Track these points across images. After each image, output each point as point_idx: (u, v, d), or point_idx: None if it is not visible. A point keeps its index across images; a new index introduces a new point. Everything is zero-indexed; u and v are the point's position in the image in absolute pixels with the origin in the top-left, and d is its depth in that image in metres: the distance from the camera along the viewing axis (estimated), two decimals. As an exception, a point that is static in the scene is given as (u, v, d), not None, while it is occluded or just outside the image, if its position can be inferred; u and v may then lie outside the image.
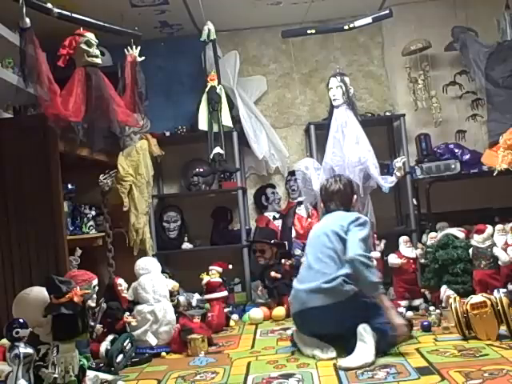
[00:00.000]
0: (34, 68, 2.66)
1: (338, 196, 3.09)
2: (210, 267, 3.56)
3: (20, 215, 2.89)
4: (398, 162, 3.64)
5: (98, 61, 3.08)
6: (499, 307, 2.48)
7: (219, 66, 4.09)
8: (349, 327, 2.51)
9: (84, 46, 3.00)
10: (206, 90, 4.04)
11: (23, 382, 1.82)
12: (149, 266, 3.09)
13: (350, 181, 3.24)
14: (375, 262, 3.29)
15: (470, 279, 3.20)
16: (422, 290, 3.48)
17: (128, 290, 2.99)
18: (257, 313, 3.50)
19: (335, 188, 3.12)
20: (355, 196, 3.17)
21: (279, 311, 3.54)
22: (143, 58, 3.39)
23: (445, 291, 3.19)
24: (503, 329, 2.50)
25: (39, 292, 2.09)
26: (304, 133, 4.44)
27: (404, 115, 4.13)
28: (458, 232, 3.39)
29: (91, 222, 3.41)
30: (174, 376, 2.41)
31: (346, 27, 3.86)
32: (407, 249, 3.51)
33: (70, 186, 3.21)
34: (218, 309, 3.41)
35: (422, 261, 3.51)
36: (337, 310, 2.57)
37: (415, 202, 4.02)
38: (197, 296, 3.66)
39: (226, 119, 4.06)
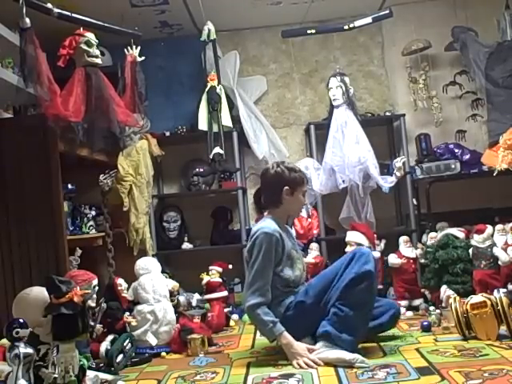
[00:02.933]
0: (34, 68, 2.66)
1: (264, 190, 2.79)
2: (210, 267, 3.56)
3: (20, 215, 2.88)
4: (398, 162, 3.65)
5: (98, 61, 3.08)
6: (499, 307, 2.48)
7: (219, 66, 4.09)
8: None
9: (84, 46, 3.01)
10: (206, 90, 4.05)
11: (23, 381, 1.82)
12: (149, 266, 3.09)
13: (290, 168, 2.68)
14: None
15: (470, 279, 3.20)
16: (422, 290, 3.48)
17: (128, 290, 2.99)
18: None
19: (262, 179, 2.79)
20: (285, 188, 2.65)
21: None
22: (143, 58, 3.40)
23: (445, 291, 3.19)
24: (503, 329, 2.50)
25: (39, 292, 2.08)
26: (304, 133, 4.44)
27: (404, 115, 4.13)
28: (458, 232, 3.39)
29: (91, 222, 3.40)
30: (174, 376, 2.41)
31: (346, 27, 3.86)
32: (407, 249, 3.51)
33: (70, 186, 3.21)
34: (218, 309, 3.41)
35: (422, 261, 3.51)
36: (288, 328, 2.49)
37: (415, 202, 4.02)
38: (197, 296, 3.66)
39: (226, 119, 4.06)
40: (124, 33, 3.38)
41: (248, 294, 2.52)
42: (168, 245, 4.23)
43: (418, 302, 3.41)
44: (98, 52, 3.08)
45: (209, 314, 3.33)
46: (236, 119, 4.20)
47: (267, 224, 2.60)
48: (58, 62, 2.93)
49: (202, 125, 4.04)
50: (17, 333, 1.86)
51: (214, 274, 3.53)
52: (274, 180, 2.68)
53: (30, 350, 1.85)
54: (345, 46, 4.46)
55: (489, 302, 2.51)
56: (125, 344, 2.68)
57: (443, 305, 3.13)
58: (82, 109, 2.91)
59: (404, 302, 3.38)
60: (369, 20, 3.79)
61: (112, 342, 2.65)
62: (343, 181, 3.80)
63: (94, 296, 2.67)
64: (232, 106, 4.22)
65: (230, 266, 3.67)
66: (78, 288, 2.04)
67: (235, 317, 3.62)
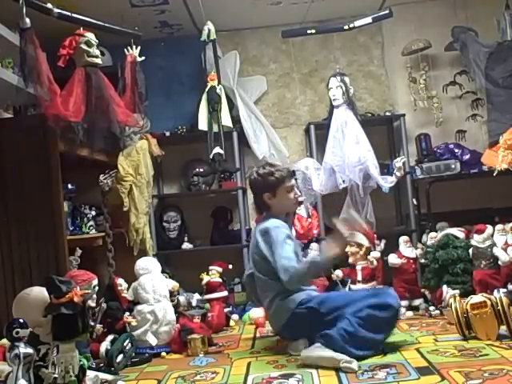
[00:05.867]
0: (34, 68, 2.66)
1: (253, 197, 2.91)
2: (210, 267, 3.56)
3: (20, 215, 2.88)
4: (398, 162, 3.65)
5: (98, 61, 3.08)
6: (499, 307, 2.48)
7: (219, 66, 4.09)
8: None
9: (84, 46, 3.01)
10: (206, 90, 4.05)
11: (23, 381, 1.82)
12: (149, 266, 3.09)
13: (265, 173, 2.73)
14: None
15: (470, 279, 3.20)
16: (422, 290, 3.48)
17: (128, 290, 2.99)
18: (257, 313, 3.50)
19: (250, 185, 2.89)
20: (266, 194, 2.73)
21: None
22: (143, 58, 3.40)
23: (447, 291, 3.18)
24: (503, 329, 2.50)
25: (39, 292, 2.08)
26: (304, 133, 4.44)
27: (404, 115, 4.13)
28: (458, 232, 3.39)
29: (91, 222, 3.40)
30: (174, 376, 2.41)
31: (346, 27, 3.87)
32: (407, 249, 3.51)
33: (70, 186, 3.21)
34: (218, 309, 3.41)
35: (422, 261, 3.50)
36: (293, 325, 2.58)
37: (415, 202, 4.02)
38: (197, 296, 3.66)
39: (226, 119, 4.06)
40: (124, 33, 3.38)
41: (286, 272, 2.52)
42: (168, 245, 4.23)
43: (418, 301, 3.41)
44: (97, 52, 3.08)
45: (209, 314, 3.33)
46: (236, 119, 4.20)
47: (273, 222, 2.69)
48: (58, 62, 2.93)
49: (202, 125, 4.04)
50: (17, 333, 1.86)
51: (213, 274, 3.53)
52: (253, 189, 2.85)
53: (30, 350, 1.85)
54: (345, 45, 4.46)
55: (489, 302, 2.51)
56: (125, 344, 2.68)
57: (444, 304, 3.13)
58: (82, 109, 2.91)
59: (404, 302, 3.37)
60: (369, 20, 3.79)
61: (112, 342, 2.65)
62: (343, 181, 3.80)
63: (94, 296, 2.67)
64: (232, 106, 4.22)
65: (230, 266, 3.67)
66: (78, 288, 2.04)
67: (235, 317, 3.62)
